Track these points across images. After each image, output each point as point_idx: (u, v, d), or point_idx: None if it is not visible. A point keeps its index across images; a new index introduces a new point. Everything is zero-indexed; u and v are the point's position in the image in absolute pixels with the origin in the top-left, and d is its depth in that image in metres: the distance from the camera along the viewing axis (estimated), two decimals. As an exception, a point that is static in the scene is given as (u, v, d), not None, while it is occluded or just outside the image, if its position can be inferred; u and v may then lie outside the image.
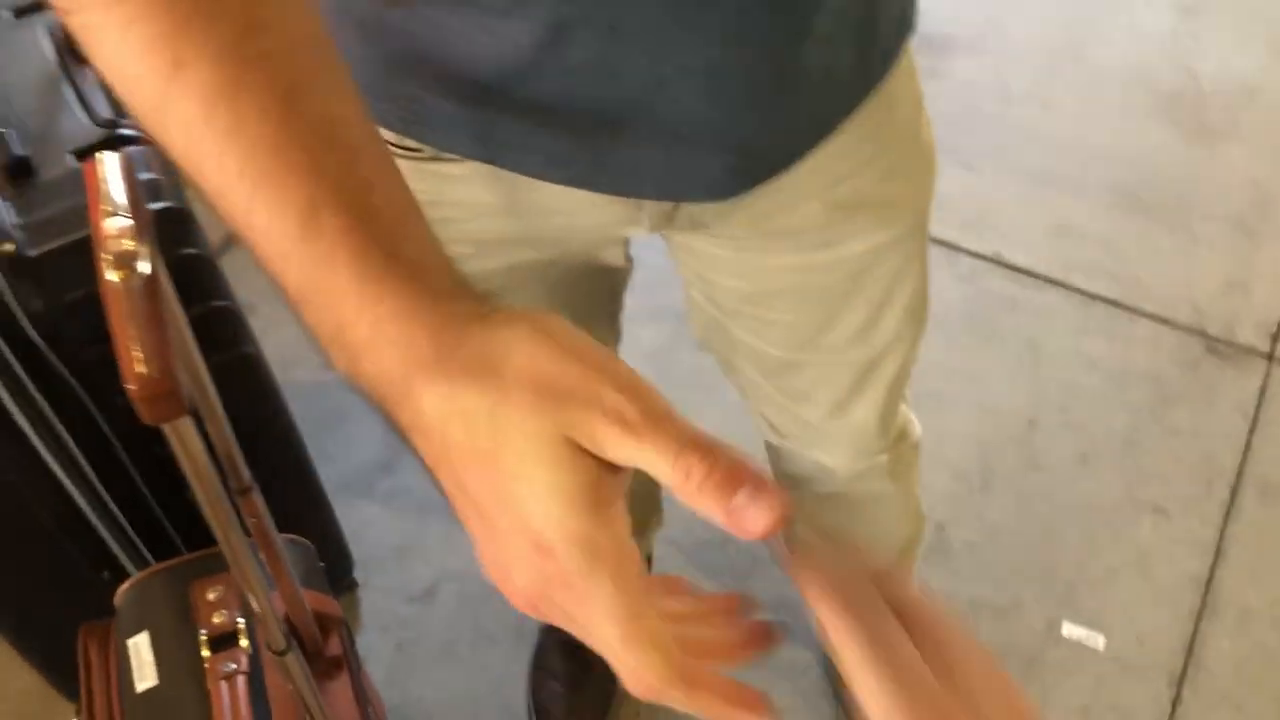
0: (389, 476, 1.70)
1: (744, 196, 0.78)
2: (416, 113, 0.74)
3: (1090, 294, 1.87)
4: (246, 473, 0.89)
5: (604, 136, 0.72)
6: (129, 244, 0.60)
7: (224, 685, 1.01)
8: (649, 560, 1.51)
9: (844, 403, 1.00)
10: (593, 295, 1.01)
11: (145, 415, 0.59)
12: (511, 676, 1.50)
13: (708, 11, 0.65)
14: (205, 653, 1.04)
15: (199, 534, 1.26)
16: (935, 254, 1.21)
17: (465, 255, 0.85)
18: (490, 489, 0.39)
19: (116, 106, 1.10)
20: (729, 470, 0.37)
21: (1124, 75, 2.19)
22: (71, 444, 1.09)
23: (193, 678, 1.03)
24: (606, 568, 0.38)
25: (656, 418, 0.38)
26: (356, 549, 1.57)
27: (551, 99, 0.70)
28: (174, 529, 1.24)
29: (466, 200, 0.81)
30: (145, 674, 1.05)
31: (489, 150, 0.76)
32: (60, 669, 1.35)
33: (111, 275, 0.59)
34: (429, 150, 0.76)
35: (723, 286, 0.93)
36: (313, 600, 1.11)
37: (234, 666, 1.02)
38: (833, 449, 1.07)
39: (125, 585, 1.12)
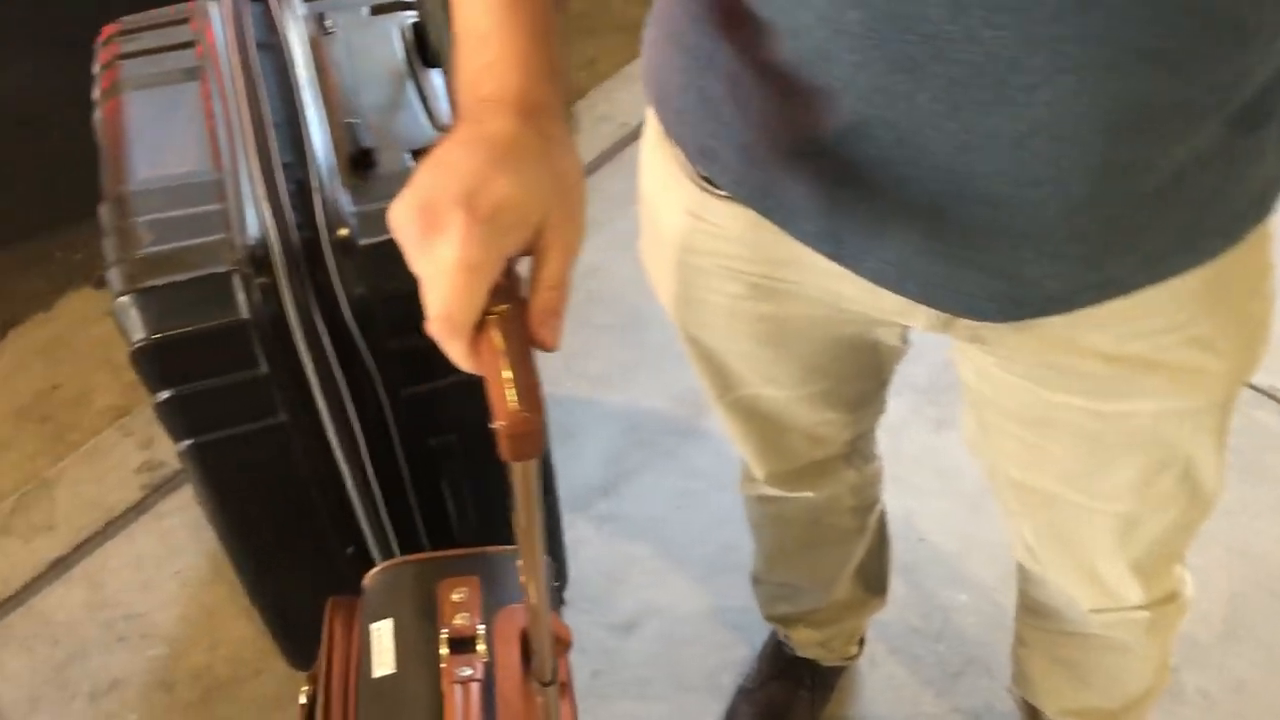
0: (607, 500, 1.71)
1: (1017, 324, 0.75)
2: (709, 150, 0.78)
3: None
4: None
5: (879, 225, 0.71)
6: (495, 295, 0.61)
7: (459, 690, 1.02)
8: (860, 642, 1.47)
9: (1104, 550, 0.95)
10: (860, 366, 0.99)
11: (508, 452, 0.59)
12: (701, 728, 1.48)
13: (1025, 138, 0.62)
14: (444, 650, 1.06)
15: (441, 532, 1.31)
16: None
17: (738, 295, 0.87)
18: (475, 159, 0.58)
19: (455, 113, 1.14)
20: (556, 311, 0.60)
21: None
22: (356, 424, 1.14)
23: (429, 674, 1.05)
24: (490, 233, 0.56)
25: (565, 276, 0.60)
26: (570, 568, 1.59)
27: (834, 176, 0.70)
28: (423, 523, 1.27)
29: (742, 237, 0.82)
30: (384, 660, 1.07)
31: (765, 205, 0.77)
32: (283, 625, 1.41)
33: (498, 308, 0.60)
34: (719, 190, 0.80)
35: (996, 404, 0.89)
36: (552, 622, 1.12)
37: (470, 672, 1.03)
38: (1086, 590, 1.01)
39: (376, 570, 1.15)
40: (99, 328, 2.07)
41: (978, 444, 0.98)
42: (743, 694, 1.48)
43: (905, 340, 0.95)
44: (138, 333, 1.02)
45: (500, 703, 1.04)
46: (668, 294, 0.93)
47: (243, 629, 1.59)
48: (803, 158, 0.72)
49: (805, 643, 1.41)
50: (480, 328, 0.59)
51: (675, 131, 0.81)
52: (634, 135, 2.01)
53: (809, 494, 1.15)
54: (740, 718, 1.46)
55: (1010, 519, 1.03)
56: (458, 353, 0.59)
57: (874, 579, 1.37)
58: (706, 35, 0.73)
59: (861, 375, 1.01)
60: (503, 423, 0.58)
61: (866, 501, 1.24)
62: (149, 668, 1.56)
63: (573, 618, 1.59)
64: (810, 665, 1.45)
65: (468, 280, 0.56)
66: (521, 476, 0.65)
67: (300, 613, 1.40)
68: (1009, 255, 0.70)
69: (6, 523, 1.73)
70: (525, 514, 0.68)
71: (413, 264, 0.59)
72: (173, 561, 1.67)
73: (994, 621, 1.54)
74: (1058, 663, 1.17)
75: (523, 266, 0.61)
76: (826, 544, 1.26)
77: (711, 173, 0.80)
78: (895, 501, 1.33)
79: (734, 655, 1.54)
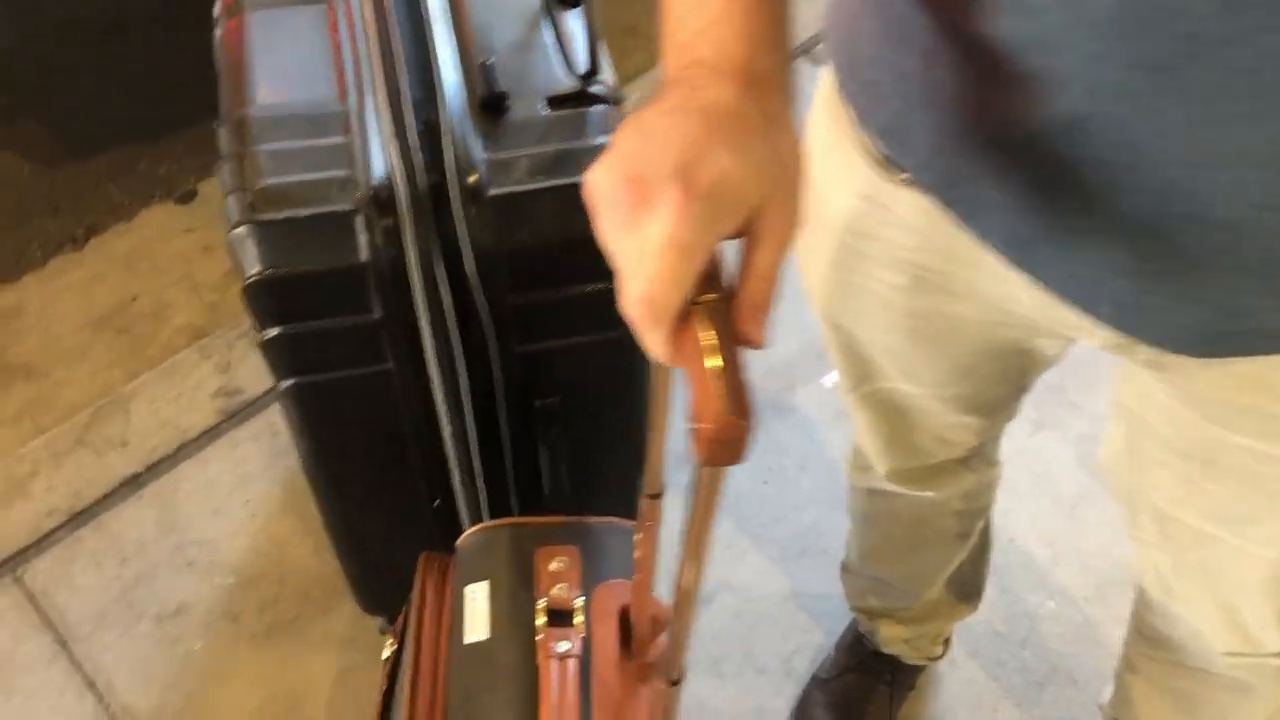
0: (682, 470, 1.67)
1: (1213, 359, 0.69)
2: (895, 129, 0.72)
3: None
4: (663, 482, 0.85)
5: (1078, 235, 0.65)
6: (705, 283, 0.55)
7: (555, 664, 0.98)
8: (946, 642, 1.43)
9: (1251, 595, 0.88)
10: (1008, 372, 0.93)
11: (707, 456, 0.54)
12: (771, 713, 1.45)
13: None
14: (540, 621, 1.02)
15: (532, 497, 1.27)
16: None
17: (899, 285, 0.82)
18: (691, 130, 0.52)
19: (593, 61, 1.08)
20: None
21: None
22: (463, 378, 1.09)
23: (524, 645, 1.01)
24: (707, 213, 0.51)
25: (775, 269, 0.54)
26: (648, 536, 1.55)
27: (1034, 175, 0.64)
28: (515, 485, 1.23)
29: (915, 226, 0.76)
30: (477, 626, 1.04)
31: (949, 196, 0.71)
32: (359, 568, 1.38)
33: (705, 296, 0.54)
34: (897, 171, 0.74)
35: (1156, 433, 0.82)
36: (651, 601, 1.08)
37: (568, 647, 1.00)
38: (1223, 632, 0.95)
39: (471, 531, 1.12)
40: (179, 243, 2.04)
41: (1120, 468, 0.92)
42: (817, 682, 1.44)
43: (1065, 352, 0.89)
44: (253, 267, 0.98)
45: (596, 683, 1.00)
46: (818, 277, 0.88)
47: (312, 564, 1.57)
48: (1001, 150, 0.66)
49: (890, 638, 1.37)
50: (683, 317, 0.54)
51: (859, 105, 0.75)
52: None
53: (927, 493, 1.10)
54: (814, 706, 1.42)
55: (1144, 548, 0.96)
56: (657, 342, 0.53)
57: (969, 585, 1.32)
58: (908, 2, 0.66)
59: (1006, 381, 0.95)
60: (708, 425, 0.52)
61: (976, 506, 1.18)
62: (216, 596, 1.55)
63: (646, 586, 1.55)
64: (891, 661, 1.40)
65: (677, 262, 0.51)
66: (709, 481, 0.60)
67: (378, 558, 1.37)
68: (1229, 285, 0.63)
69: (81, 435, 1.72)
70: (701, 520, 0.64)
71: (610, 240, 0.53)
72: (244, 490, 1.65)
73: (1081, 632, 1.49)
74: (1168, 693, 1.12)
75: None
76: (929, 545, 1.21)
77: (895, 153, 0.74)
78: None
79: (809, 640, 1.50)
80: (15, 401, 1.82)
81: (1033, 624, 1.51)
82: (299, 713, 1.45)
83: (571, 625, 1.02)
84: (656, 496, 0.87)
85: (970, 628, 1.47)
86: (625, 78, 1.28)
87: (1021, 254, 0.69)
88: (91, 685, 1.47)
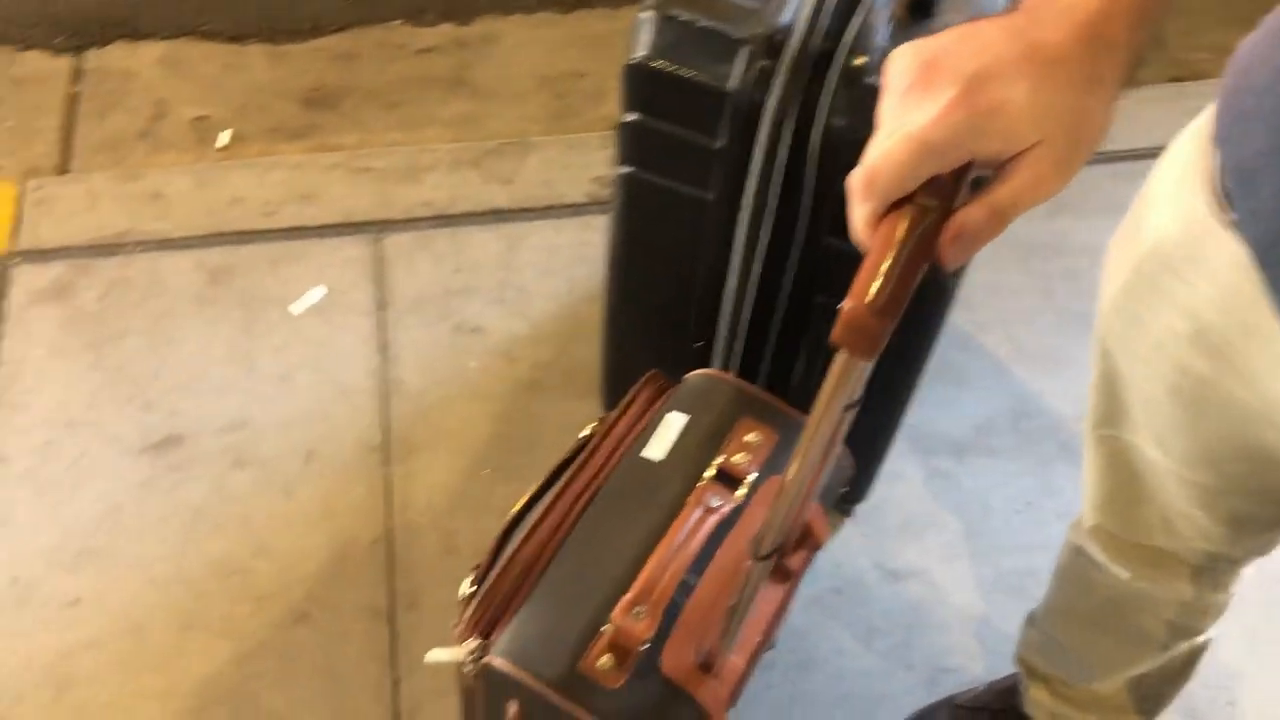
0: (952, 460, 1.63)
1: None
2: (1247, 168, 0.66)
3: None
4: (861, 392, 0.85)
5: None
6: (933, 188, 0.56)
7: (698, 511, 1.03)
8: None
9: None
10: (1265, 487, 0.83)
11: (839, 334, 0.56)
12: (893, 707, 1.42)
13: None
14: (710, 474, 1.07)
15: (778, 382, 1.30)
16: None
17: (1178, 334, 0.76)
18: (1007, 50, 0.53)
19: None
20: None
21: None
22: (763, 243, 1.13)
23: (684, 481, 1.07)
24: (970, 126, 0.52)
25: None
26: (876, 491, 1.54)
27: None
28: (771, 358, 1.27)
29: (1217, 276, 0.70)
30: (657, 446, 1.11)
31: (1269, 257, 0.65)
32: (613, 370, 1.49)
33: (925, 200, 0.55)
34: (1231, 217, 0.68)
35: None
36: (813, 511, 1.09)
37: (718, 503, 1.04)
38: None
39: (702, 371, 1.18)
40: (643, 47, 2.18)
41: None
42: (950, 706, 1.40)
43: None
44: (640, 50, 1.06)
45: (723, 548, 1.04)
46: (1109, 288, 0.83)
47: (589, 355, 1.69)
48: None
49: (1038, 702, 1.30)
50: (895, 207, 0.55)
51: (1224, 126, 0.70)
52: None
53: (1132, 579, 1.02)
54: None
55: None
56: (859, 216, 0.56)
57: (1149, 701, 1.22)
58: None
59: (1261, 498, 0.86)
60: (849, 305, 0.55)
61: (1188, 628, 1.08)
62: (507, 335, 1.72)
63: (848, 533, 1.55)
64: (1029, 727, 1.33)
65: (914, 155, 0.52)
66: (841, 367, 0.61)
67: (630, 367, 1.46)
68: None
69: (481, 159, 1.93)
70: (824, 404, 0.65)
71: (881, 109, 0.55)
72: (575, 268, 1.80)
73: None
74: None
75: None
76: (1119, 637, 1.13)
77: (1235, 191, 0.68)
78: (1223, 648, 1.16)
79: (968, 666, 1.45)
80: (454, 109, 2.06)
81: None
82: (525, 449, 1.59)
83: (733, 492, 1.06)
84: (852, 407, 0.89)
85: None
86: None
87: None
88: (384, 348, 1.70)
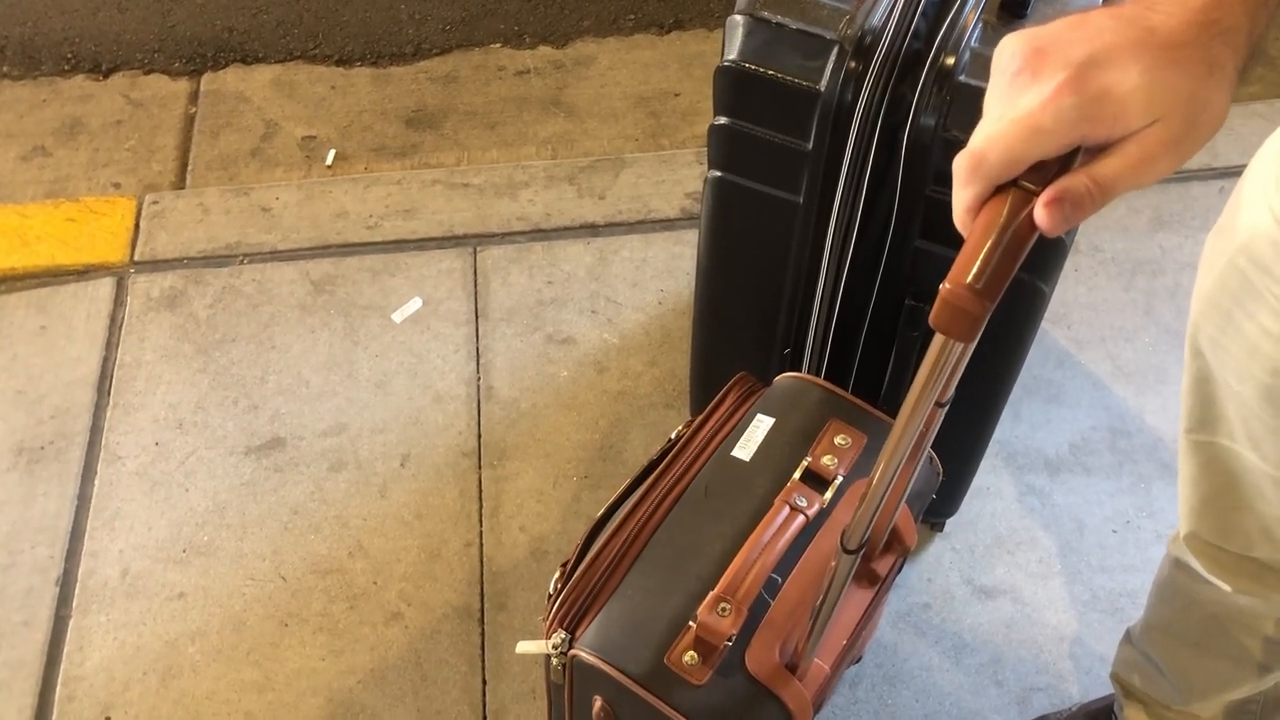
0: (1047, 477, 1.60)
1: None
2: None
3: None
4: (953, 390, 0.85)
5: None
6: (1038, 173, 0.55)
7: (785, 511, 1.03)
8: None
9: None
10: None
11: (936, 316, 0.56)
12: (982, 722, 1.40)
13: None
14: (797, 475, 1.07)
15: (867, 386, 1.29)
16: None
17: (1273, 332, 0.75)
18: (1119, 36, 0.53)
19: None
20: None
21: None
22: (852, 248, 1.13)
23: (773, 481, 1.07)
24: (1078, 111, 0.52)
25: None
26: (967, 506, 1.52)
27: None
28: (859, 363, 1.26)
29: None
30: (746, 447, 1.11)
31: None
32: (701, 376, 1.49)
33: (1029, 184, 0.55)
34: None
35: None
36: (902, 517, 1.09)
37: (804, 504, 1.04)
38: None
39: (791, 375, 1.18)
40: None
41: None
42: (1046, 723, 1.37)
43: None
44: (731, 53, 1.08)
45: (809, 549, 1.04)
46: (1202, 289, 0.81)
47: (681, 366, 1.71)
48: None
49: (1134, 725, 1.26)
50: (999, 191, 0.55)
51: None
52: None
53: (1234, 593, 0.99)
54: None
55: None
56: (962, 200, 0.56)
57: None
58: None
59: None
60: (949, 286, 0.55)
61: None
62: (597, 345, 1.74)
63: (939, 548, 1.53)
64: (1124, 750, 1.29)
65: (1022, 139, 0.53)
66: (937, 352, 0.62)
67: (717, 373, 1.47)
68: None
69: (575, 175, 1.97)
70: (917, 392, 0.65)
71: (989, 96, 0.56)
72: (665, 280, 1.82)
73: None
74: None
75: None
76: (1218, 656, 1.09)
77: None
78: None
79: (1061, 687, 1.42)
80: (550, 128, 2.10)
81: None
82: (613, 457, 1.61)
83: (820, 493, 1.06)
84: (943, 405, 0.88)
85: None
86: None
87: None
88: (478, 357, 1.73)
